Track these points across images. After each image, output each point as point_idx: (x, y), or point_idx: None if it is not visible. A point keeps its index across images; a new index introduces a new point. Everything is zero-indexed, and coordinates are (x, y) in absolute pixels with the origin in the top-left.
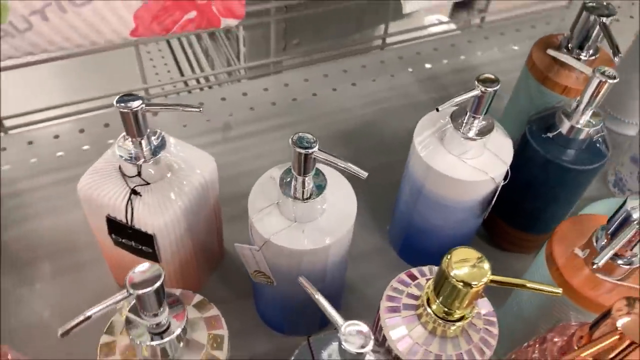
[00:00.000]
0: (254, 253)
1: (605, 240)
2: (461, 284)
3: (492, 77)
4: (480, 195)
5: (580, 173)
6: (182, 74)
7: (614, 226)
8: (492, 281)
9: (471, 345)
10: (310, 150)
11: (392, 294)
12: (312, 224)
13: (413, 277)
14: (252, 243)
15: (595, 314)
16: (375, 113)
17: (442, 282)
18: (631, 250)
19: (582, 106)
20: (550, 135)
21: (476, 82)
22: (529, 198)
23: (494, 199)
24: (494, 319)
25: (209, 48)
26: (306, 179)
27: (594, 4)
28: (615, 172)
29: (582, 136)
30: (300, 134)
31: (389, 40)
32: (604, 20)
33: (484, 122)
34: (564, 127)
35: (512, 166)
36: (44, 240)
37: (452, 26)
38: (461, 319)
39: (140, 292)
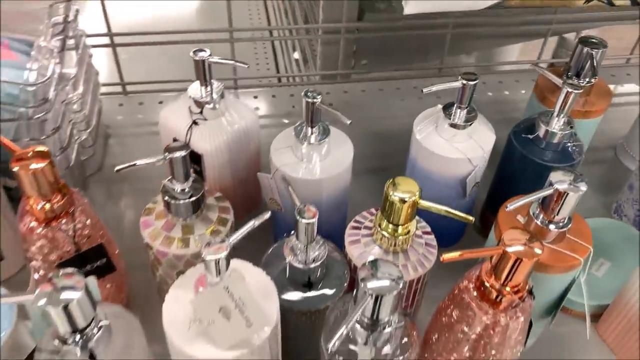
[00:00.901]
0: (269, 181)
1: (538, 209)
2: (397, 199)
3: (473, 72)
4: (459, 174)
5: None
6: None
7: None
8: (419, 204)
9: (415, 258)
10: (314, 100)
11: (354, 224)
12: (313, 163)
13: (370, 214)
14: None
15: (536, 272)
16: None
17: (385, 203)
18: (555, 215)
19: (555, 113)
20: (529, 137)
21: (459, 76)
22: (512, 190)
23: (474, 184)
24: (434, 244)
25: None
26: (313, 128)
27: (588, 39)
28: (617, 200)
29: (555, 140)
30: (309, 89)
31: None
32: (592, 52)
33: (469, 114)
34: (541, 131)
35: (499, 162)
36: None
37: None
38: (405, 234)
39: (173, 155)
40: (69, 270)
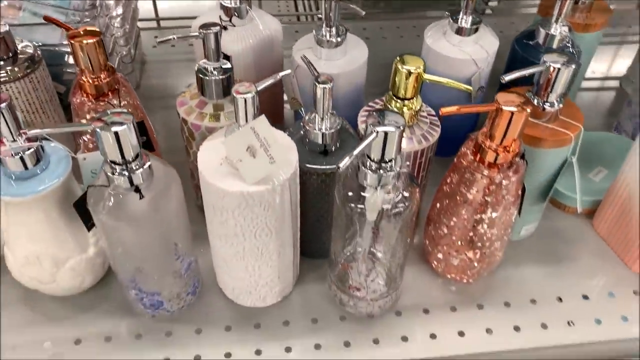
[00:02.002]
0: (291, 79)
1: (534, 93)
2: (405, 71)
3: None
4: (465, 75)
5: None
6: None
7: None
8: (423, 77)
9: (420, 132)
10: None
11: (366, 108)
12: (331, 62)
13: (381, 100)
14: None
15: (533, 147)
16: None
17: (394, 78)
18: (549, 94)
19: (554, 19)
20: (530, 42)
21: None
22: None
23: (479, 87)
24: (438, 123)
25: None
26: (331, 29)
27: None
28: (617, 119)
29: (555, 43)
30: None
31: None
32: None
33: (475, 20)
34: (541, 36)
35: (504, 69)
36: (157, 88)
37: None
38: (411, 109)
39: (207, 31)
40: (118, 109)
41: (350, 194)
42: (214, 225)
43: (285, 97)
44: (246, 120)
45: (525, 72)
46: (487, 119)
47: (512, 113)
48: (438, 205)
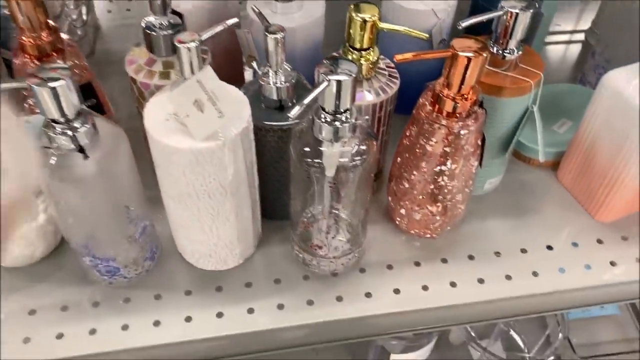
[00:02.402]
0: (246, 35)
1: (493, 41)
2: (359, 19)
3: None
4: (425, 27)
5: None
6: None
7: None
8: (379, 26)
9: (378, 85)
10: None
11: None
12: (287, 16)
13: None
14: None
15: (493, 97)
16: None
17: (349, 28)
18: (507, 41)
19: None
20: None
21: None
22: None
23: (440, 40)
24: (397, 75)
25: None
26: None
27: None
28: (582, 71)
29: None
30: None
31: None
32: None
33: None
34: None
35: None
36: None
37: None
38: (368, 60)
39: None
40: (55, 64)
41: (306, 149)
42: (166, 185)
43: (244, 59)
44: (192, 73)
45: (483, 17)
46: (443, 67)
47: (469, 59)
48: (399, 159)
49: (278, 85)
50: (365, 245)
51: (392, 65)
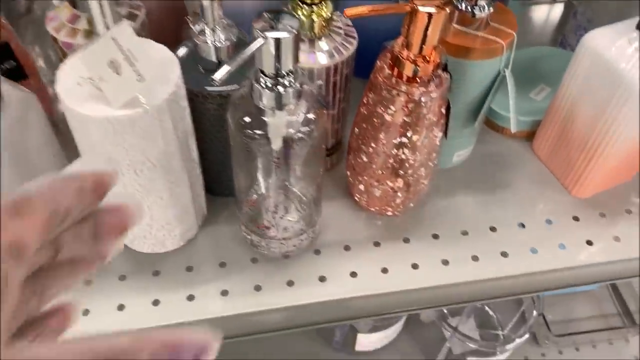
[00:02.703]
0: None
1: None
2: None
3: None
4: None
5: None
6: None
7: None
8: None
9: (332, 45)
10: None
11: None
12: None
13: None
14: None
15: (460, 59)
16: None
17: None
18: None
19: None
20: None
21: None
22: None
23: None
24: (354, 35)
25: None
26: None
27: None
28: (563, 32)
29: None
30: None
31: None
32: None
33: None
34: None
35: None
36: None
37: None
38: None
39: None
40: None
41: (246, 119)
42: None
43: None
44: (107, 29)
45: None
46: (402, 24)
47: (430, 15)
48: (357, 130)
49: (216, 44)
50: (321, 225)
51: (350, 23)
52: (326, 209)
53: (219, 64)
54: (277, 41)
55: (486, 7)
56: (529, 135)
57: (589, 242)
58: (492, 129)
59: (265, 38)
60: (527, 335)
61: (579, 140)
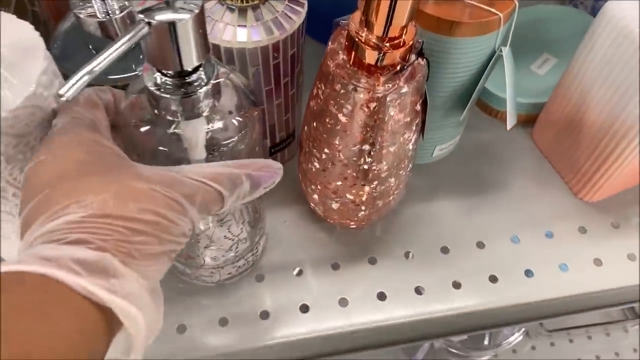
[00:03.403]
0: None
1: None
2: None
3: None
4: None
5: None
6: None
7: None
8: None
9: (271, 16)
10: None
11: None
12: None
13: None
14: None
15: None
16: None
17: None
18: None
19: None
20: None
21: None
22: None
23: None
24: (302, 1)
25: None
26: None
27: None
28: None
29: None
30: None
31: None
32: None
33: None
34: None
35: None
36: None
37: None
38: None
39: None
40: None
41: (144, 129)
42: None
43: None
44: None
45: None
46: None
47: None
48: (306, 129)
49: (104, 16)
50: (268, 238)
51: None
52: (275, 217)
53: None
54: (172, 26)
55: None
56: (529, 120)
57: (597, 262)
58: (484, 111)
59: (149, 24)
60: (522, 330)
61: (591, 134)
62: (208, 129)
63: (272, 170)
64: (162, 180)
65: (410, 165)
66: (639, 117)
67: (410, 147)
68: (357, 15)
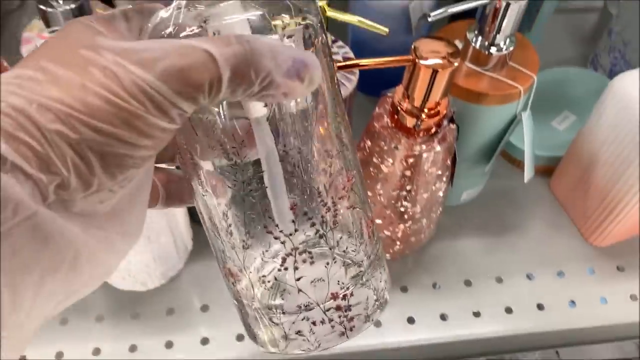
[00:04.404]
0: None
1: (476, 31)
2: None
3: None
4: (402, 1)
5: None
6: None
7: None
8: (327, 13)
9: None
10: None
11: None
12: None
13: None
14: None
15: (470, 103)
16: None
17: None
18: (494, 34)
19: None
20: None
21: None
22: None
23: (421, 16)
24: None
25: None
26: None
27: None
28: (595, 50)
29: None
30: None
31: None
32: None
33: None
34: None
35: None
36: None
37: None
38: None
39: None
40: None
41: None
42: None
43: None
44: None
45: (462, 7)
46: (404, 72)
47: (434, 70)
48: None
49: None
50: None
51: (350, 54)
52: None
53: None
54: None
55: (504, 47)
56: (548, 171)
57: (603, 300)
58: (507, 161)
59: None
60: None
61: (600, 188)
62: None
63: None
64: (114, 47)
65: (440, 208)
66: (639, 178)
67: (441, 194)
68: (400, 89)
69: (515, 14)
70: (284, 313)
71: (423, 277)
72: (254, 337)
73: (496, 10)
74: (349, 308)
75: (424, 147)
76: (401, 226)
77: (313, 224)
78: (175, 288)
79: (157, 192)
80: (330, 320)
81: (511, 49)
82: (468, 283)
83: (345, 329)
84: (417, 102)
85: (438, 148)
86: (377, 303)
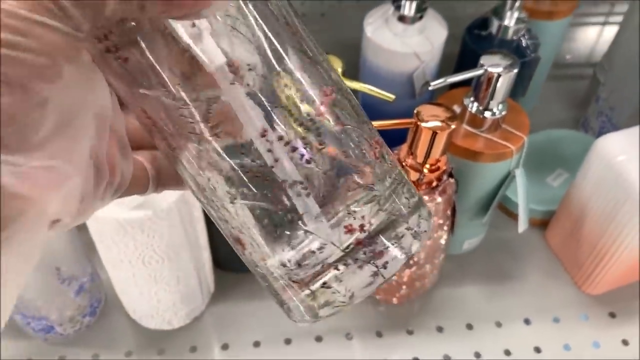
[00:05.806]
0: None
1: (472, 98)
2: None
3: None
4: (407, 70)
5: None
6: None
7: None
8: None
9: None
10: None
11: None
12: None
13: None
14: None
15: (469, 161)
16: None
17: None
18: (488, 101)
19: (507, 7)
20: (482, 33)
21: None
22: None
23: (423, 83)
24: None
25: None
26: None
27: None
28: (584, 115)
29: (509, 35)
30: None
31: None
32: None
33: (420, 8)
34: (494, 27)
35: (456, 61)
36: None
37: None
38: None
39: None
40: None
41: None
42: (99, 249)
43: None
44: None
45: (459, 77)
46: (408, 133)
47: (434, 132)
48: None
49: None
50: None
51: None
52: None
53: None
54: None
55: (497, 112)
56: (544, 224)
57: (596, 344)
58: (506, 214)
59: None
60: None
61: (589, 239)
62: None
63: None
64: None
65: (443, 255)
66: (624, 229)
67: (442, 242)
68: (405, 147)
69: (506, 83)
70: (299, 266)
71: (428, 321)
72: (288, 311)
73: (489, 80)
74: (372, 240)
75: (426, 198)
76: (407, 271)
77: (295, 149)
78: (198, 327)
79: (145, 173)
80: (356, 260)
81: (504, 113)
82: (470, 327)
83: (377, 267)
84: (420, 159)
85: (439, 199)
86: (409, 232)
